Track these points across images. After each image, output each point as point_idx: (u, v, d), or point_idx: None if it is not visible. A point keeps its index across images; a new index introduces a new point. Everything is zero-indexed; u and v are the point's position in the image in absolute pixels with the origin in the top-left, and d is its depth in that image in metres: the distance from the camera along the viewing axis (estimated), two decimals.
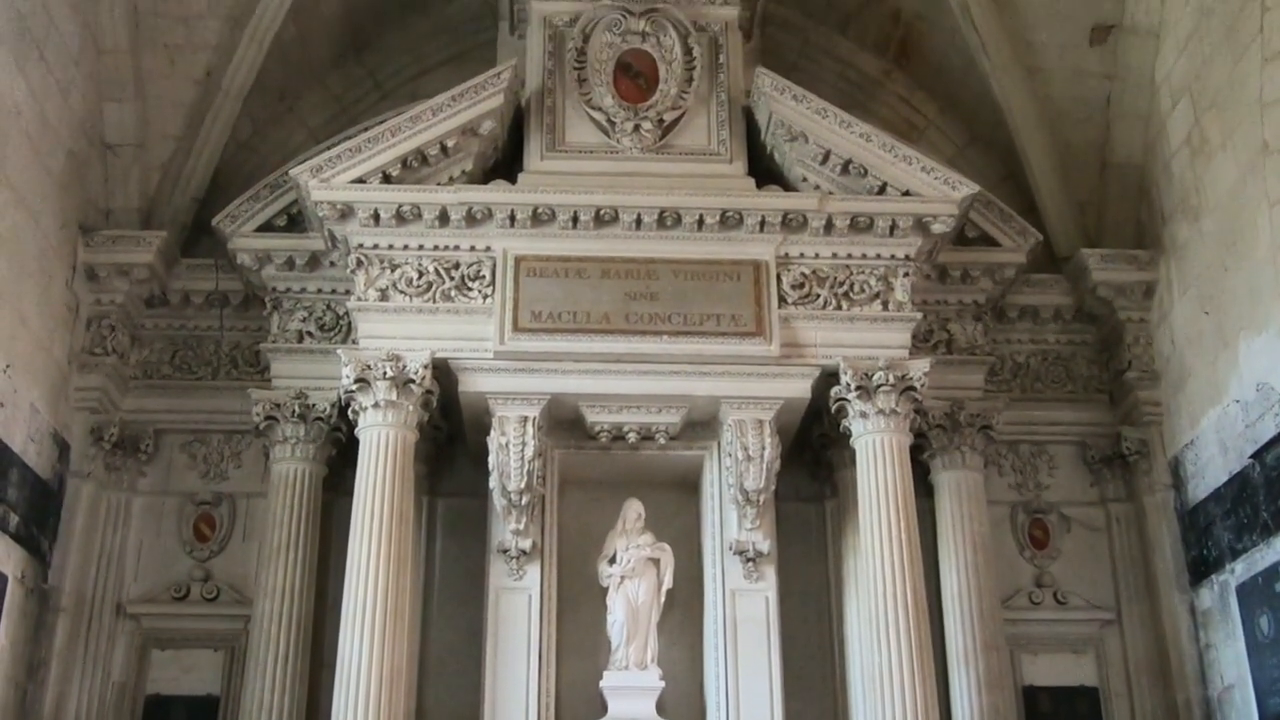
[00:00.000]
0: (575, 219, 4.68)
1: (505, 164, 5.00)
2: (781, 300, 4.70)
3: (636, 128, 4.89)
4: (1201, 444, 4.84)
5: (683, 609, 4.74)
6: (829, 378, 4.65)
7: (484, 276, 4.70)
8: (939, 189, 4.72)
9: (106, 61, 5.00)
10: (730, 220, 4.71)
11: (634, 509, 4.73)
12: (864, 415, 4.54)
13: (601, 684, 4.45)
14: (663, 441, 4.78)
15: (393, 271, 4.67)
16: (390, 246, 4.70)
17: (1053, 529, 5.19)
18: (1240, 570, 4.51)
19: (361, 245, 4.68)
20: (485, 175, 4.89)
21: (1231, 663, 4.57)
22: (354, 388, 4.44)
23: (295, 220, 5.03)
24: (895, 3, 5.56)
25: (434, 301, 4.66)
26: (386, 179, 4.65)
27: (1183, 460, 5.02)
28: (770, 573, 4.63)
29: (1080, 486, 5.30)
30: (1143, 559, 5.11)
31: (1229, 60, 4.60)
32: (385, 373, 4.38)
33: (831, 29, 5.89)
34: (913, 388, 4.55)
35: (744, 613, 4.53)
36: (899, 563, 4.30)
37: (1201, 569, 4.84)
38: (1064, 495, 5.26)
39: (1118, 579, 5.13)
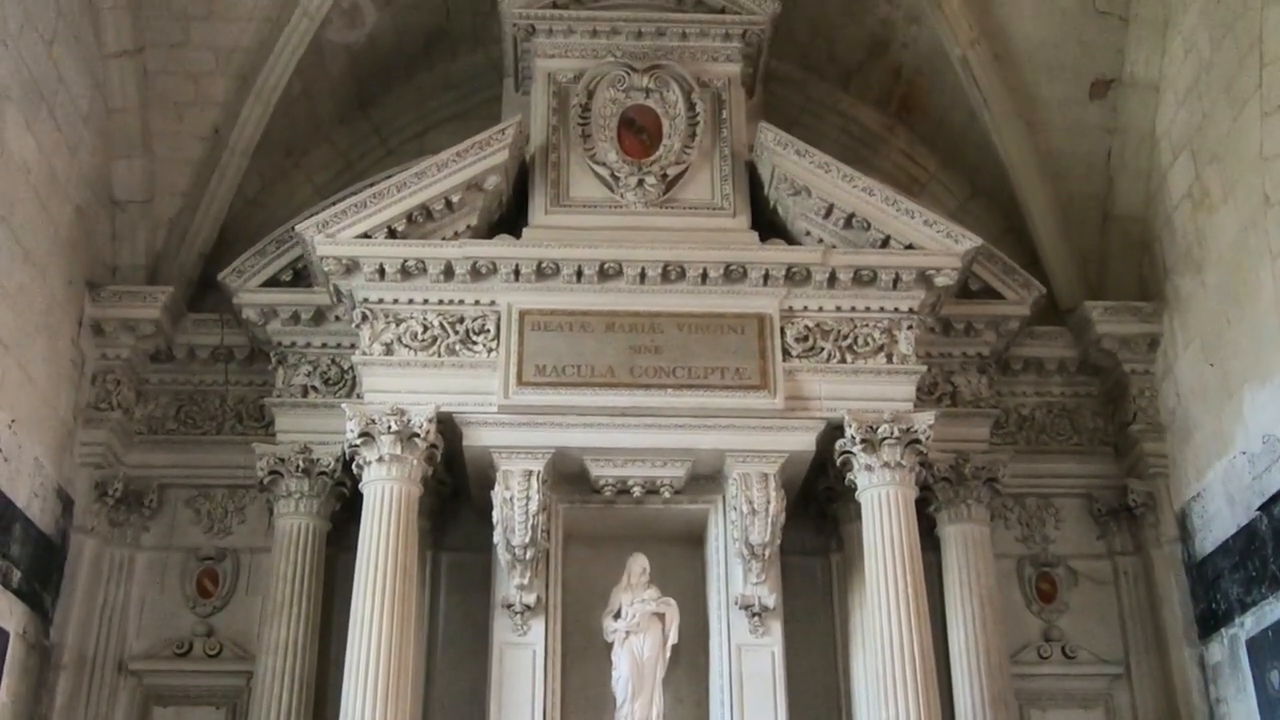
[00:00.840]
0: (579, 273, 4.70)
1: (510, 219, 5.03)
2: (785, 353, 4.71)
3: (640, 182, 4.92)
4: (1209, 496, 4.82)
5: (688, 664, 4.71)
6: (834, 431, 4.64)
7: (488, 330, 4.71)
8: (942, 242, 4.73)
9: (115, 119, 5.07)
10: (734, 274, 4.73)
11: (639, 563, 4.71)
12: (869, 468, 4.53)
13: None
14: (667, 495, 4.76)
15: (398, 326, 4.68)
16: (395, 301, 4.72)
17: (1060, 582, 5.16)
18: (1250, 624, 4.48)
19: (367, 300, 4.70)
20: (490, 230, 4.91)
21: (1243, 717, 4.53)
22: (358, 442, 4.44)
23: (301, 275, 5.06)
24: (896, 58, 5.62)
25: (439, 355, 4.66)
26: (392, 234, 4.68)
27: (1190, 513, 4.99)
28: (776, 627, 4.60)
29: (1087, 539, 5.28)
30: (1151, 612, 5.08)
31: (1229, 114, 4.63)
32: (389, 427, 4.38)
33: (833, 84, 5.95)
34: (918, 440, 4.54)
35: (750, 668, 4.50)
36: (906, 617, 4.27)
37: (1211, 623, 4.80)
38: (1071, 548, 5.24)
39: (1126, 633, 5.09)
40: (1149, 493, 5.14)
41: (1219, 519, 4.72)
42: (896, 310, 4.78)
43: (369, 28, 5.37)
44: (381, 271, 4.64)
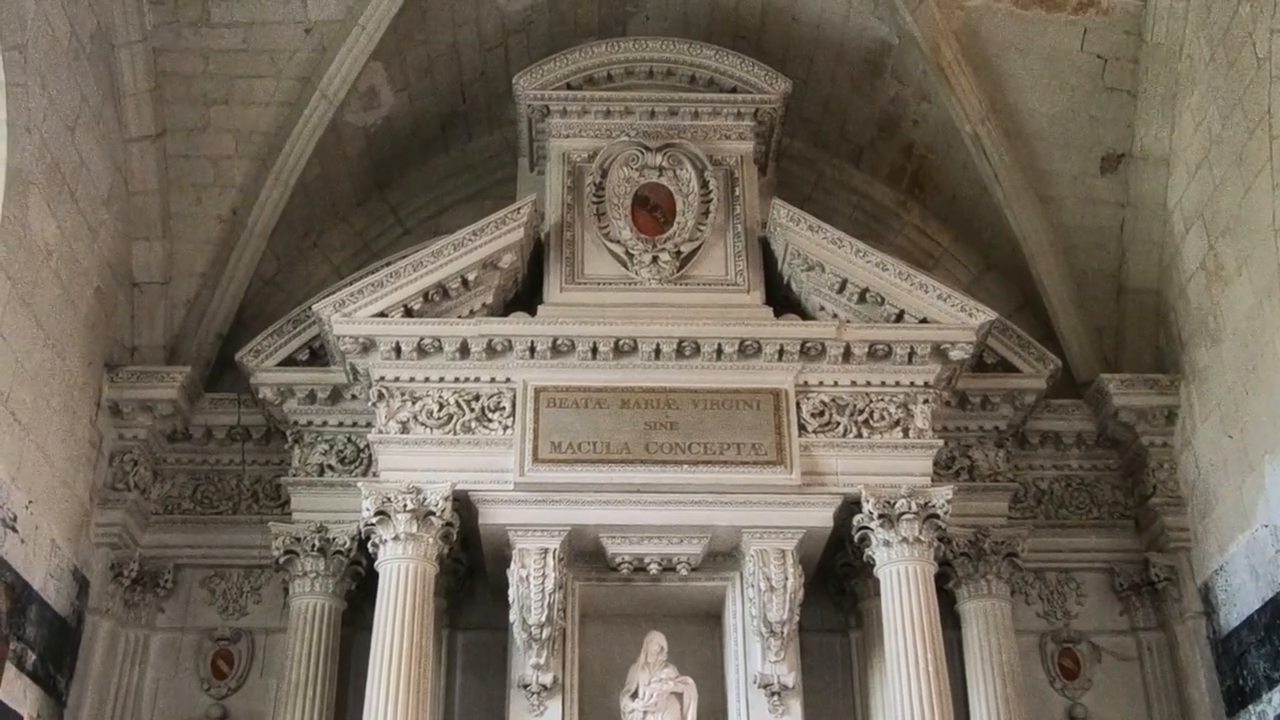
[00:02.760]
0: (595, 350, 4.71)
1: (525, 296, 5.06)
2: (801, 428, 4.70)
3: (654, 259, 4.96)
4: (1232, 570, 4.77)
5: None
6: (851, 506, 4.61)
7: (504, 408, 4.71)
8: (956, 316, 4.74)
9: (135, 202, 5.13)
10: (749, 349, 4.73)
11: (656, 642, 4.66)
12: (887, 544, 4.50)
13: None
14: (684, 573, 4.73)
15: (414, 404, 4.69)
16: (411, 379, 4.73)
17: (1083, 659, 5.08)
18: (1278, 700, 4.41)
19: (383, 378, 4.71)
20: (506, 307, 4.94)
21: None
22: (374, 520, 4.43)
23: (317, 354, 5.07)
24: (907, 135, 5.66)
25: (454, 433, 4.67)
26: (408, 312, 4.71)
27: (1213, 587, 4.94)
28: (796, 706, 4.54)
29: (1110, 615, 5.20)
30: (1177, 689, 4.99)
31: (1240, 187, 4.65)
32: (405, 505, 4.37)
33: (845, 161, 6.00)
34: (936, 515, 4.51)
35: None
36: (927, 695, 4.21)
37: (1238, 699, 4.72)
38: (1093, 624, 5.17)
39: (1151, 710, 5.00)
40: (1171, 566, 5.08)
41: (1243, 593, 4.66)
42: (912, 385, 4.77)
43: (386, 110, 5.45)
44: (398, 350, 4.66)
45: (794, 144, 5.85)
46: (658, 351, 4.71)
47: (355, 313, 4.67)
